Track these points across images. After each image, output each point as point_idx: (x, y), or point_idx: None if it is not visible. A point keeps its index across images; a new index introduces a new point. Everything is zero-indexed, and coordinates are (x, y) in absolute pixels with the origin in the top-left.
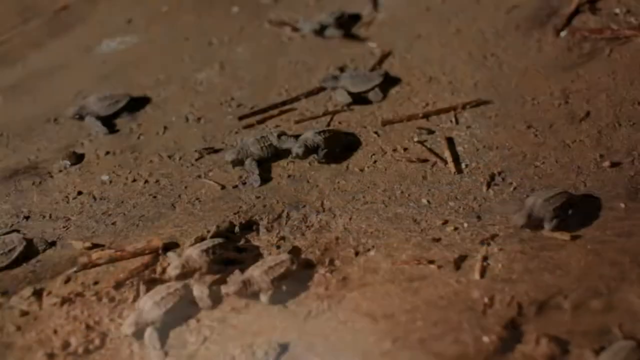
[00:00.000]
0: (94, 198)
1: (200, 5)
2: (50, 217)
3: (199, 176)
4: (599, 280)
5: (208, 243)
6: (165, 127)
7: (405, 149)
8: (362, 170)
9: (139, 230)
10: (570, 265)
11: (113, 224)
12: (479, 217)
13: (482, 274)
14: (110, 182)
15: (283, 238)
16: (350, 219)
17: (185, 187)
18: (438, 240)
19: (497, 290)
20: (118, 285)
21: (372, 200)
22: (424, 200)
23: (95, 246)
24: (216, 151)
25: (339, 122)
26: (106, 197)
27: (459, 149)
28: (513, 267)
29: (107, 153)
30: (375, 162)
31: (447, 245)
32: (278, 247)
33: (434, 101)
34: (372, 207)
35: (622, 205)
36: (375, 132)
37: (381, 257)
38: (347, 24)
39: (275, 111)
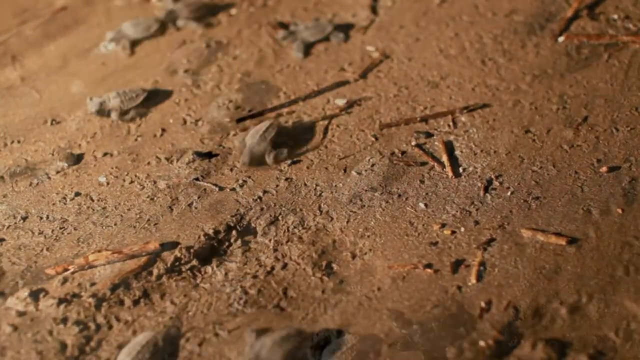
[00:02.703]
0: (92, 199)
1: None
2: (47, 218)
3: (197, 179)
4: (595, 285)
5: None
6: (163, 130)
7: (403, 152)
8: (359, 173)
9: (136, 232)
10: (567, 270)
11: (110, 225)
12: (476, 222)
13: (479, 277)
14: (108, 183)
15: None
16: (347, 222)
17: (182, 190)
18: (435, 244)
19: (494, 294)
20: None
21: (369, 204)
22: (421, 204)
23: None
24: (211, 156)
25: (337, 126)
26: (104, 198)
27: (457, 152)
28: (509, 271)
29: (105, 155)
30: (372, 165)
31: (443, 249)
32: (275, 250)
33: (432, 105)
34: (369, 210)
35: (619, 210)
36: (374, 136)
37: (378, 261)
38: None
39: (273, 114)
